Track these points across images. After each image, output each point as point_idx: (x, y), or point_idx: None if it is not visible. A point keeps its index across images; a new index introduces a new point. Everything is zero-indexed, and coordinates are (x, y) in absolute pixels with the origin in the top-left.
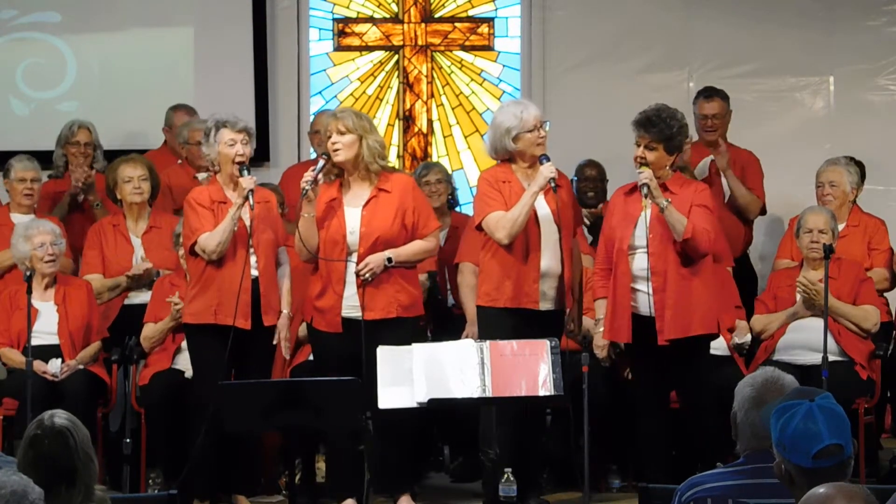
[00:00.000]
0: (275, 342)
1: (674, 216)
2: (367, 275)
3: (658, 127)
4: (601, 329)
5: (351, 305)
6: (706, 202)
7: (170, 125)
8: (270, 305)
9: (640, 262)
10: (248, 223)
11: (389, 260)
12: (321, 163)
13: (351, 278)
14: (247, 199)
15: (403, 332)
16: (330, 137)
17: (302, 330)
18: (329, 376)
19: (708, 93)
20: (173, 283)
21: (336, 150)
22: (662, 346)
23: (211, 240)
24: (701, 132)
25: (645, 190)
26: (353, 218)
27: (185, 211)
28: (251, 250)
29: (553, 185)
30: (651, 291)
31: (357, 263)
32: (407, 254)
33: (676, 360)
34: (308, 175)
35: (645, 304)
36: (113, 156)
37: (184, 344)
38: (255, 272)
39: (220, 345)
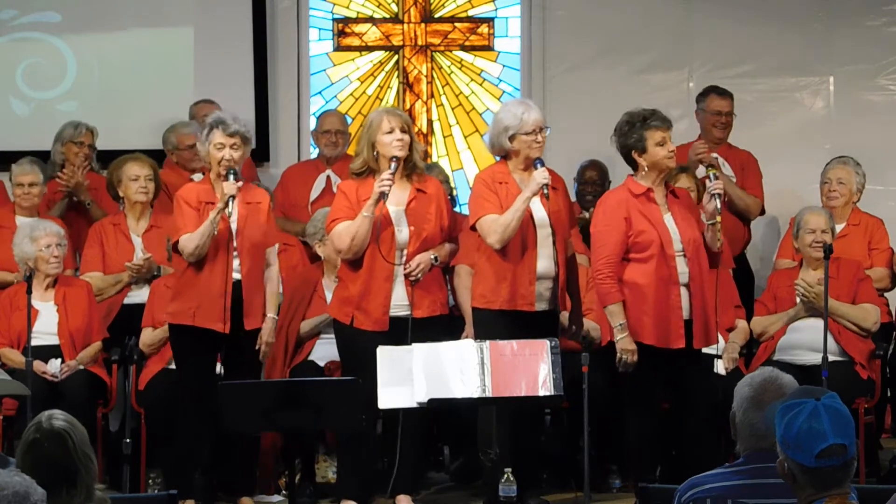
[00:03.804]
0: (257, 347)
1: (719, 228)
2: (419, 273)
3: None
4: (625, 335)
5: (399, 304)
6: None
7: (194, 119)
8: (254, 309)
9: (678, 266)
10: (233, 226)
11: (436, 259)
12: (394, 165)
13: (400, 277)
14: (227, 204)
15: (444, 328)
16: (391, 132)
17: (303, 328)
18: (369, 375)
19: (720, 90)
20: (168, 286)
21: (402, 147)
22: (677, 348)
23: (189, 242)
24: (710, 128)
25: (717, 202)
26: (397, 217)
27: (174, 207)
28: (234, 253)
29: (545, 190)
30: (689, 296)
31: (406, 262)
32: (445, 253)
33: (691, 363)
34: (386, 176)
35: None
36: (113, 156)
37: None
38: (237, 275)
39: (200, 347)
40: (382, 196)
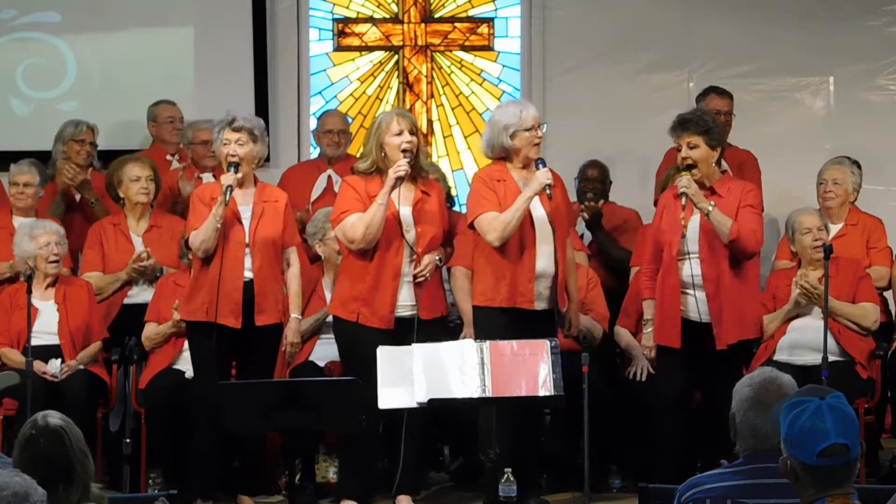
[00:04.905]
0: (283, 348)
1: (717, 220)
2: (428, 274)
3: (693, 122)
4: (650, 329)
5: (404, 305)
6: (753, 202)
7: (154, 120)
8: (266, 305)
9: (691, 268)
10: (246, 223)
11: (440, 260)
12: (409, 157)
13: (408, 277)
14: (226, 195)
15: (445, 328)
16: (401, 134)
17: (302, 325)
18: (369, 373)
19: (720, 90)
20: (177, 283)
21: (410, 149)
22: (702, 349)
23: (195, 238)
24: None
25: (683, 200)
26: (404, 216)
27: (190, 207)
28: (247, 251)
29: (548, 191)
30: (705, 298)
31: (415, 263)
32: (447, 255)
33: (720, 363)
34: (402, 163)
35: (695, 310)
36: (113, 155)
37: (185, 345)
38: (248, 273)
39: (214, 344)
40: (399, 181)
